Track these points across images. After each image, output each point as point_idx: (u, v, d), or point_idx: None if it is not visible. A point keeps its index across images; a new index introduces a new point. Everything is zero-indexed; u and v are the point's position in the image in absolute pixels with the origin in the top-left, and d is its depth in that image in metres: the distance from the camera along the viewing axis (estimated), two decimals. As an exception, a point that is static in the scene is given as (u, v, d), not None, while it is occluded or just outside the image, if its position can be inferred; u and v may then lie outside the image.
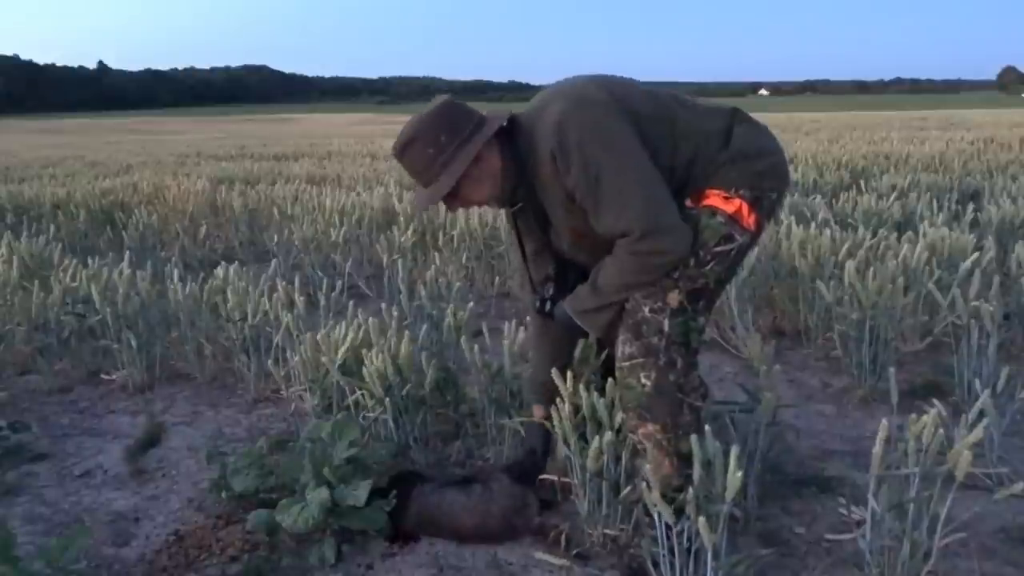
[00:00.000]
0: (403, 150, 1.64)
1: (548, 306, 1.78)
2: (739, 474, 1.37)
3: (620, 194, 1.51)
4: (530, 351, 2.01)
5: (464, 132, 1.60)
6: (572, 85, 1.64)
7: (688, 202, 1.60)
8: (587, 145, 1.51)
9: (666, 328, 1.59)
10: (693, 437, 1.46)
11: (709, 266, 1.59)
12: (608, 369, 1.81)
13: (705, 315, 1.64)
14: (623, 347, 1.63)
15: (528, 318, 1.97)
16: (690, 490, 1.42)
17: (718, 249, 1.58)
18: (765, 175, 1.62)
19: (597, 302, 1.65)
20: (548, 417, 1.82)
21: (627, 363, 1.62)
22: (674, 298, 1.59)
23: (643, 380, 1.60)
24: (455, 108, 1.64)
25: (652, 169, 1.54)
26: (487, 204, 1.77)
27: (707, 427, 1.50)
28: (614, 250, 1.59)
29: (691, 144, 1.59)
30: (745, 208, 1.59)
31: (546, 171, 1.57)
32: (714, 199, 1.59)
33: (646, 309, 1.60)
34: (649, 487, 1.46)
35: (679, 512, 1.45)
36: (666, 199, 1.54)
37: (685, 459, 1.56)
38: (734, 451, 1.39)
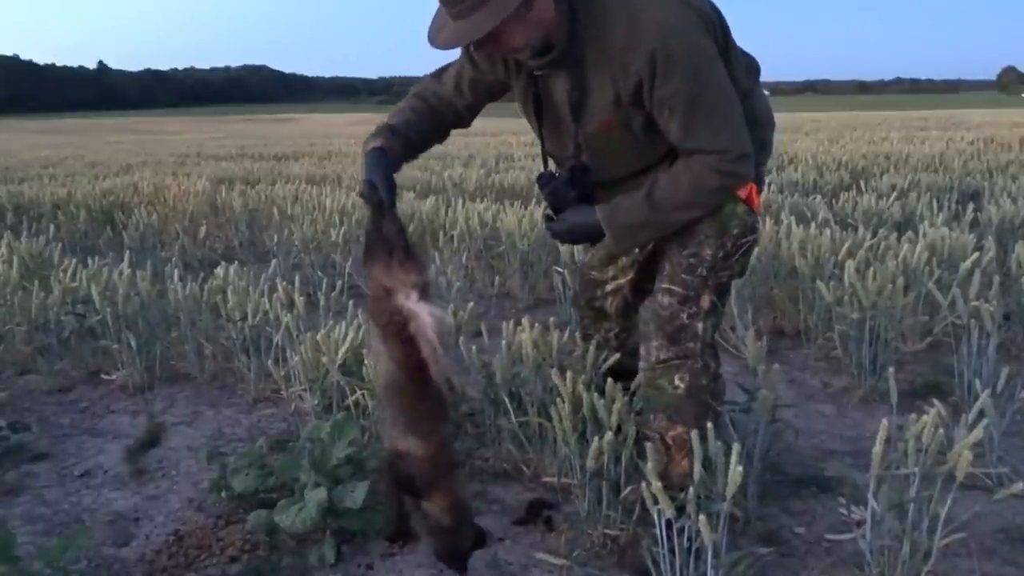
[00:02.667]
0: None
1: (548, 192, 1.61)
2: (739, 469, 1.37)
3: (721, 113, 1.45)
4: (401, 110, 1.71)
5: None
6: None
7: None
8: (698, 59, 1.42)
9: (700, 331, 1.58)
10: (693, 433, 1.45)
11: (735, 258, 1.58)
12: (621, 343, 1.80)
13: (725, 309, 1.65)
14: (656, 352, 1.61)
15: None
16: (691, 489, 1.42)
17: (743, 241, 1.57)
18: (767, 146, 1.62)
19: (647, 216, 1.52)
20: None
21: (660, 366, 1.60)
22: (706, 300, 1.58)
23: (676, 382, 1.58)
24: None
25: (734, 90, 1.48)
26: (517, 54, 1.52)
27: (708, 425, 1.50)
28: (684, 165, 1.48)
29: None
30: (754, 190, 1.56)
31: (625, 62, 1.42)
32: None
33: (684, 316, 1.58)
34: (648, 481, 1.45)
35: (680, 510, 1.45)
36: (746, 127, 1.49)
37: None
38: (735, 448, 1.39)
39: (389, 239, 1.51)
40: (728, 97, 1.47)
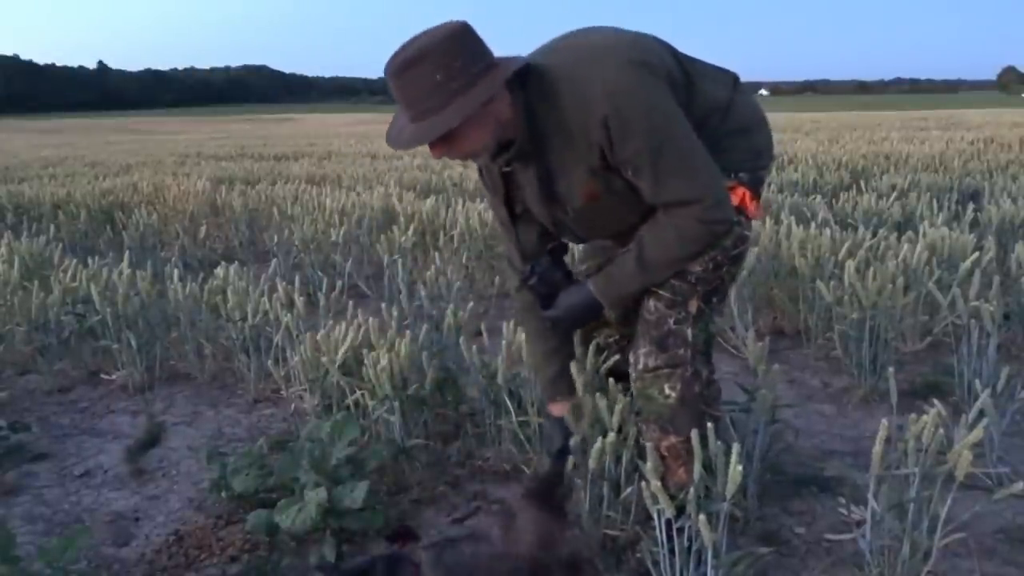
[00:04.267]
0: (405, 68, 1.34)
1: (535, 282, 1.62)
2: (739, 468, 1.36)
3: (688, 163, 1.42)
4: (528, 340, 1.83)
5: (481, 64, 1.36)
6: (607, 40, 1.48)
7: None
8: (652, 113, 1.39)
9: (690, 337, 1.55)
10: (693, 433, 1.44)
11: (725, 268, 1.55)
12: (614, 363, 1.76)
13: (718, 316, 1.63)
14: (645, 359, 1.57)
15: (517, 305, 1.80)
16: (691, 489, 1.42)
17: (735, 252, 1.54)
18: (763, 152, 1.58)
19: (641, 280, 1.52)
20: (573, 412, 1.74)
21: (650, 374, 1.57)
22: (694, 304, 1.55)
23: (667, 391, 1.55)
24: (473, 35, 1.39)
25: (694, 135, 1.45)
26: (475, 156, 1.50)
27: (709, 424, 1.50)
28: (665, 220, 1.46)
29: (704, 115, 1.50)
30: (748, 196, 1.53)
31: (584, 135, 1.41)
32: None
33: (671, 321, 1.55)
34: (647, 480, 1.43)
35: (680, 510, 1.45)
36: (718, 170, 1.47)
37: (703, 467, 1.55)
38: (735, 448, 1.39)
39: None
40: (692, 145, 1.43)
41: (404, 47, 1.36)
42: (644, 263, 1.50)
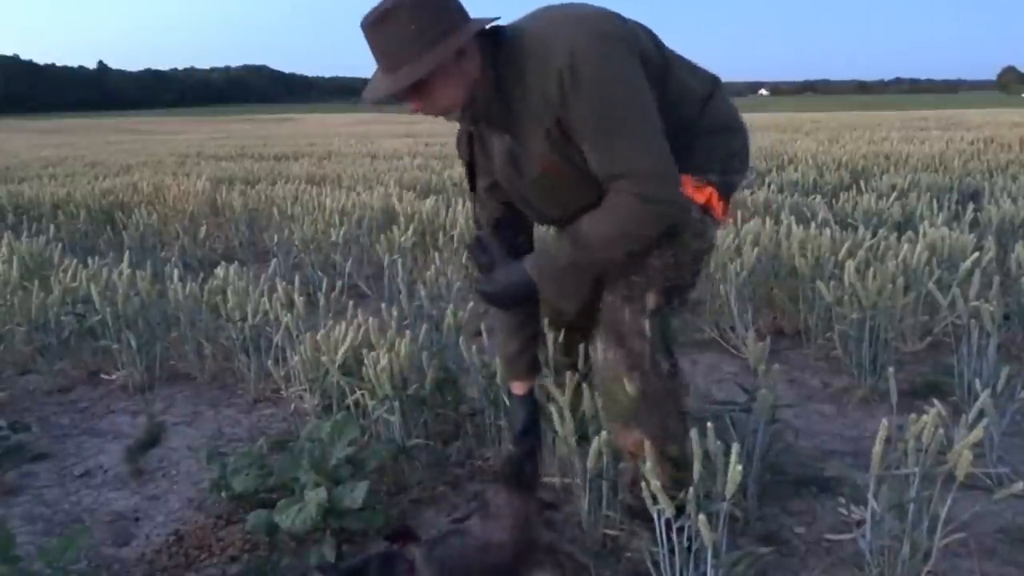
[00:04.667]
0: (381, 19, 1.37)
1: (474, 248, 1.59)
2: (739, 468, 1.36)
3: (637, 131, 1.38)
4: (496, 315, 1.80)
5: (452, 17, 1.38)
6: (584, 10, 1.46)
7: None
8: (606, 73, 1.36)
9: (647, 331, 1.52)
10: (693, 432, 1.44)
11: (686, 265, 1.53)
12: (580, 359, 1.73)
13: (678, 314, 1.59)
14: (604, 353, 1.55)
15: None
16: (690, 489, 1.42)
17: (695, 247, 1.53)
18: (737, 155, 1.56)
19: (574, 257, 1.45)
20: (531, 392, 1.74)
21: (609, 371, 1.54)
22: (652, 299, 1.52)
23: (628, 388, 1.53)
24: None
25: (660, 120, 1.41)
26: (448, 113, 1.49)
27: (709, 424, 1.49)
28: (610, 196, 1.41)
29: (677, 103, 1.47)
30: (715, 196, 1.51)
31: (542, 91, 1.39)
32: (687, 186, 1.48)
33: (626, 313, 1.52)
34: (647, 481, 1.42)
35: (680, 509, 1.45)
36: (668, 149, 1.42)
37: (675, 464, 1.53)
38: (735, 448, 1.39)
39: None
40: (646, 118, 1.39)
41: (380, 2, 1.38)
42: (578, 239, 1.45)
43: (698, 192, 1.50)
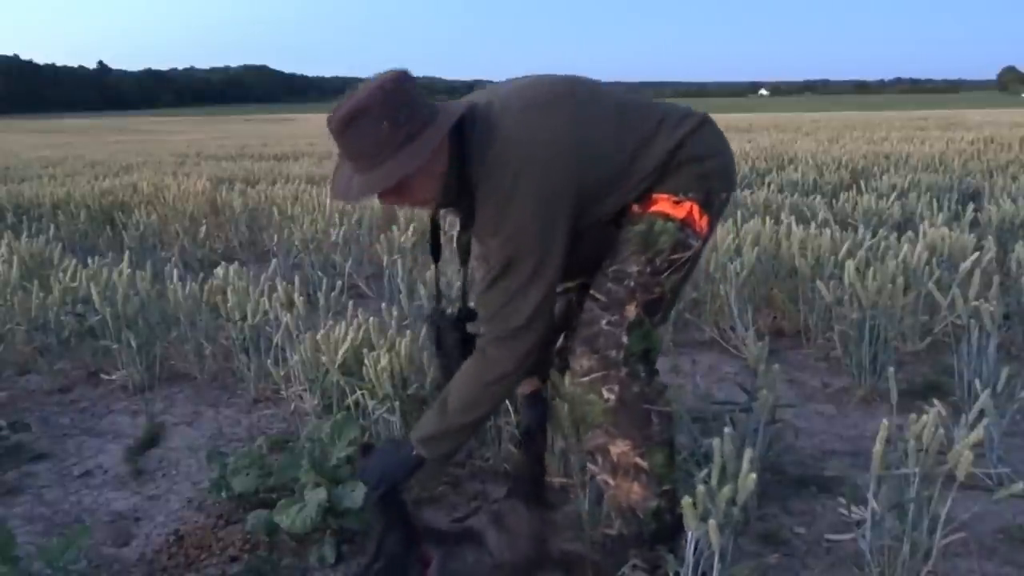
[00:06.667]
0: (348, 122, 1.35)
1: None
2: (752, 476, 1.34)
3: (522, 289, 1.43)
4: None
5: (424, 113, 1.36)
6: (551, 119, 1.45)
7: (635, 207, 1.52)
8: (531, 224, 1.40)
9: (625, 341, 1.49)
10: (715, 441, 1.42)
11: (665, 274, 1.51)
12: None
13: (661, 326, 1.56)
14: (580, 360, 1.52)
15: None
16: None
17: (674, 257, 1.51)
18: (711, 176, 1.54)
19: (443, 425, 1.52)
20: (538, 392, 1.73)
21: (586, 378, 1.51)
22: (631, 310, 1.50)
23: (606, 394, 1.49)
24: (414, 85, 1.39)
25: (558, 271, 1.45)
26: (425, 205, 1.53)
27: (726, 430, 1.47)
28: (475, 353, 1.50)
29: (636, 158, 1.49)
30: (696, 211, 1.51)
31: (489, 203, 1.42)
32: (663, 204, 1.50)
33: (603, 322, 1.50)
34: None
35: (676, 529, 1.43)
36: (549, 314, 1.50)
37: (657, 476, 1.50)
38: (747, 454, 1.37)
39: None
40: (537, 277, 1.43)
41: (345, 102, 1.36)
42: (444, 405, 1.52)
43: (677, 207, 1.50)
